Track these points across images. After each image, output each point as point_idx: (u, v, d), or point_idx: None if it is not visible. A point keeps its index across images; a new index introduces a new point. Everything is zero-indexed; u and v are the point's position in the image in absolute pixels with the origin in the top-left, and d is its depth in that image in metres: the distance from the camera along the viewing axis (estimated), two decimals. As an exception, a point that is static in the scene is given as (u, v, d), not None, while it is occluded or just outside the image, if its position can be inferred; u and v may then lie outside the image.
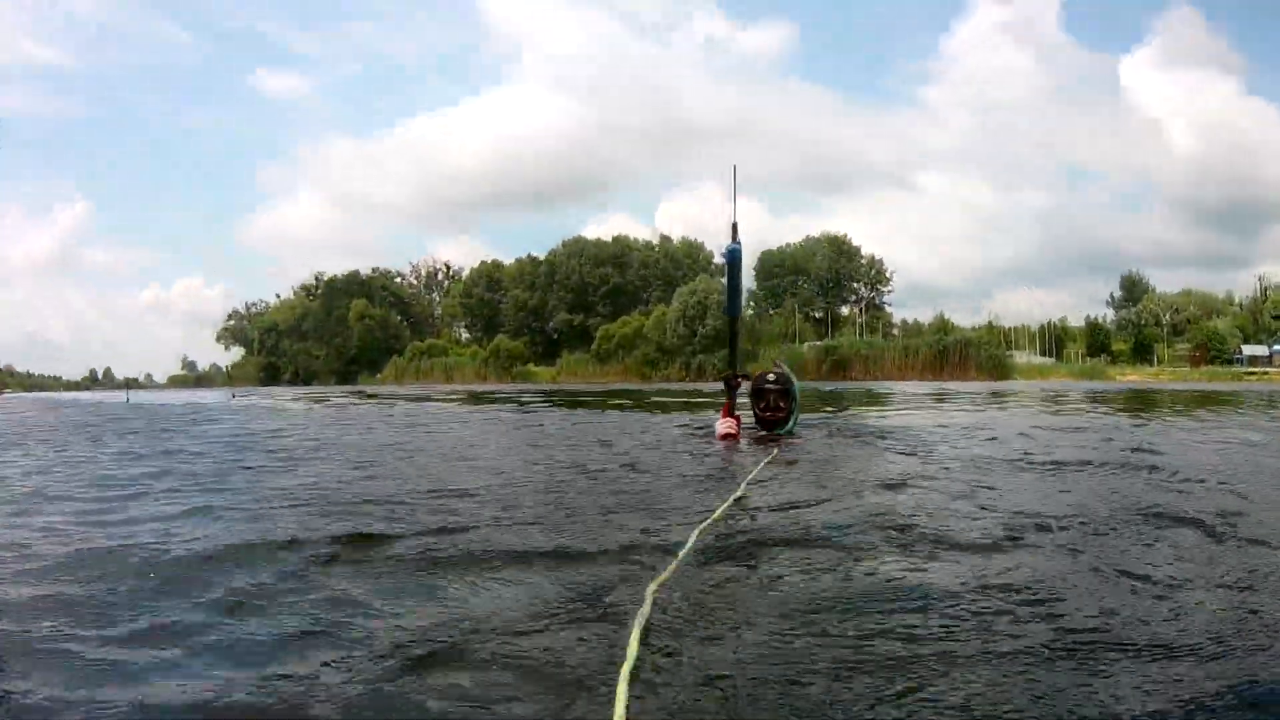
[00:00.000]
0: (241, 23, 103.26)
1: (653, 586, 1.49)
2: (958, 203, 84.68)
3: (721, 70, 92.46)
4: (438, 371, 59.46)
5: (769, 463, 3.35)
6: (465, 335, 68.79)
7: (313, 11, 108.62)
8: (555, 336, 61.89)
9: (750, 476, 2.91)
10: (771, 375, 4.74)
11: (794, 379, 4.76)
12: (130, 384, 51.94)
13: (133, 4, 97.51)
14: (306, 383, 64.05)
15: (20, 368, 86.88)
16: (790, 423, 4.66)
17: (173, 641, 1.32)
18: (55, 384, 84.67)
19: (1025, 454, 3.74)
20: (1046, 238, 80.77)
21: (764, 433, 4.68)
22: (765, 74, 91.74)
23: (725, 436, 4.45)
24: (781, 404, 4.65)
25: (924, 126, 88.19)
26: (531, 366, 59.35)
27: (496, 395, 18.68)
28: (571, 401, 13.09)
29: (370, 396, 19.50)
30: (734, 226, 4.71)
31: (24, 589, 1.63)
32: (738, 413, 4.68)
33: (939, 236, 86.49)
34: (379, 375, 61.98)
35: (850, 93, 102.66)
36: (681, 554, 1.74)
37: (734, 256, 4.75)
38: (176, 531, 2.16)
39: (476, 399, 15.96)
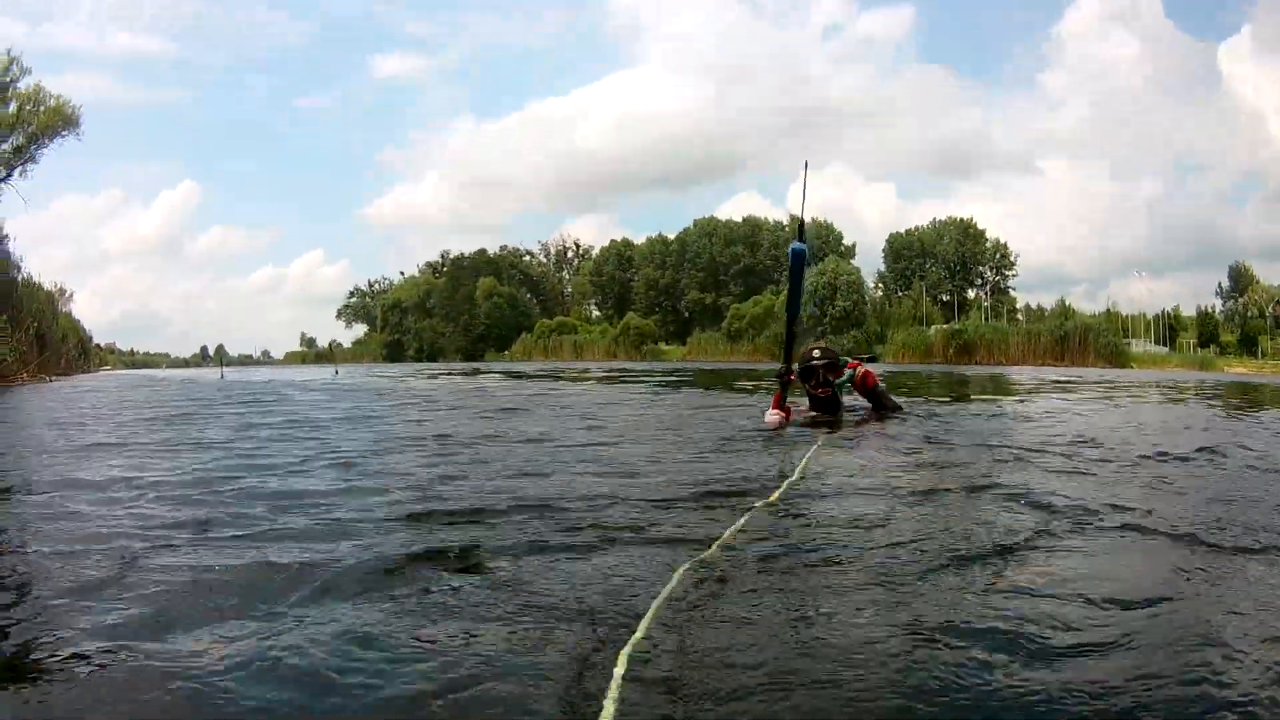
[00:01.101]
0: (349, 8, 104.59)
1: (683, 567, 1.52)
2: (1077, 189, 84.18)
3: (844, 53, 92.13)
4: (567, 349, 59.80)
5: (815, 451, 3.32)
6: (596, 313, 69.24)
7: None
8: (687, 315, 62.32)
9: (799, 469, 2.86)
10: (816, 351, 4.78)
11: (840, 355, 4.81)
12: (224, 360, 52.01)
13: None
14: (431, 359, 64.61)
15: (126, 346, 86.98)
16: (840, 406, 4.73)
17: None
18: (163, 361, 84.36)
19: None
20: (1160, 226, 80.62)
21: (815, 414, 4.78)
22: (888, 57, 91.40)
23: (774, 425, 4.51)
24: (830, 377, 4.72)
25: (1044, 112, 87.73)
26: (662, 345, 59.66)
27: (625, 374, 19.08)
28: (680, 382, 12.96)
29: (512, 375, 19.43)
30: (800, 225, 4.52)
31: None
32: (790, 403, 4.73)
33: (1060, 222, 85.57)
34: (507, 352, 62.35)
35: (971, 77, 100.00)
36: (720, 539, 1.78)
37: (798, 256, 4.56)
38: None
39: (606, 379, 15.32)
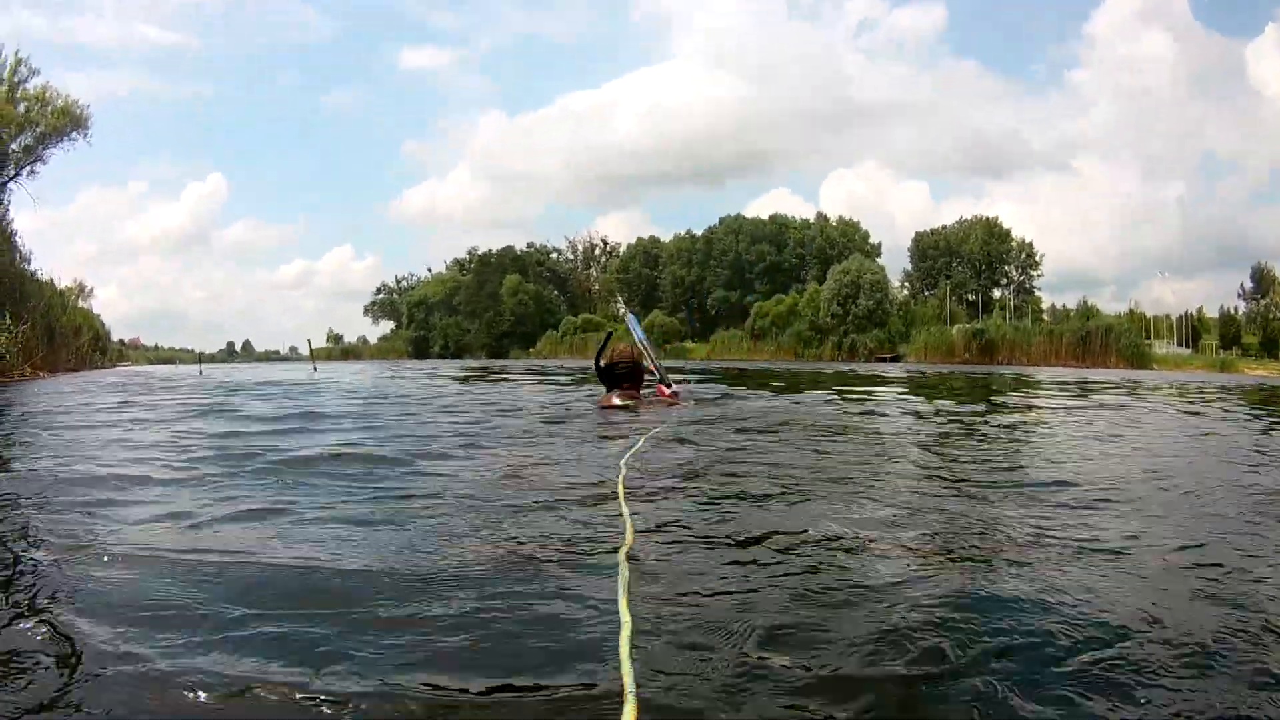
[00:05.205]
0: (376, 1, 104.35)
1: (622, 552, 1.50)
2: (1106, 189, 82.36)
3: (877, 50, 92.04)
4: (591, 346, 59.97)
5: (652, 434, 3.48)
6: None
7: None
8: (713, 313, 62.60)
9: (635, 449, 2.97)
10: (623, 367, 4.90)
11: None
12: (204, 359, 51.98)
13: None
14: (456, 356, 64.95)
15: (153, 340, 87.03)
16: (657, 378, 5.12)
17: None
18: (188, 357, 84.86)
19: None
20: (1187, 226, 78.56)
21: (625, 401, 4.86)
22: (920, 54, 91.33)
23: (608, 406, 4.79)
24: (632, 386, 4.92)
25: (1074, 111, 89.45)
26: (687, 343, 60.00)
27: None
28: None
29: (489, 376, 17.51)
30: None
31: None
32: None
33: (1088, 222, 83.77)
34: (531, 350, 62.56)
35: (1003, 75, 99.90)
36: (628, 517, 1.80)
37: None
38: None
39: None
